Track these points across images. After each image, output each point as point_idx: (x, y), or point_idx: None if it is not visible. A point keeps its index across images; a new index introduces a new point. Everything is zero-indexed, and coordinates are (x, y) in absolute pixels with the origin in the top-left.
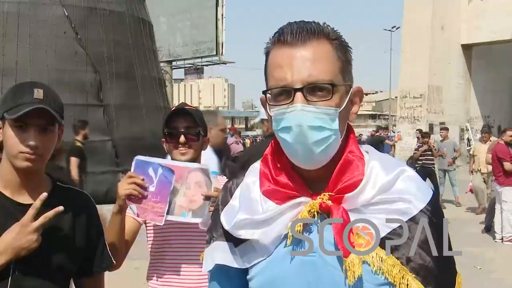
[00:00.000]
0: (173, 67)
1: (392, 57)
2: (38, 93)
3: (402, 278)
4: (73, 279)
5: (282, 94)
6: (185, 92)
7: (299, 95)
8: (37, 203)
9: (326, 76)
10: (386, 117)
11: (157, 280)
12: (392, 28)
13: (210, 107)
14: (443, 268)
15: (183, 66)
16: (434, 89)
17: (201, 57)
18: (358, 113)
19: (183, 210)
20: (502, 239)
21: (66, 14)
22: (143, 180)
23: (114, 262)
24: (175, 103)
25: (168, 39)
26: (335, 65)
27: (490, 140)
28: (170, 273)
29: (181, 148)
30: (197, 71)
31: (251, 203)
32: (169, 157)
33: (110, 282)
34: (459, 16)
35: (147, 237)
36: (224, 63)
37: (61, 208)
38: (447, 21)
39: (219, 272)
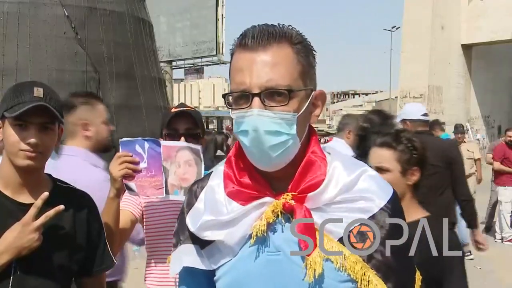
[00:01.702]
0: (173, 67)
1: (392, 57)
2: (38, 92)
3: (364, 274)
4: (74, 279)
5: (242, 98)
6: (185, 92)
7: (256, 100)
8: (39, 202)
9: (284, 81)
10: None
11: (153, 280)
12: (392, 28)
13: (210, 107)
14: (403, 264)
15: (183, 66)
16: (434, 89)
17: (201, 57)
18: (359, 113)
19: (175, 189)
20: (502, 239)
21: (66, 14)
22: (132, 156)
23: (115, 262)
24: (175, 103)
25: (168, 39)
26: (294, 70)
27: (465, 141)
28: (165, 272)
29: None
30: (197, 71)
31: (216, 205)
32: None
33: None
34: (459, 16)
35: (144, 237)
36: (224, 63)
37: (61, 207)
38: (447, 21)
39: (188, 274)
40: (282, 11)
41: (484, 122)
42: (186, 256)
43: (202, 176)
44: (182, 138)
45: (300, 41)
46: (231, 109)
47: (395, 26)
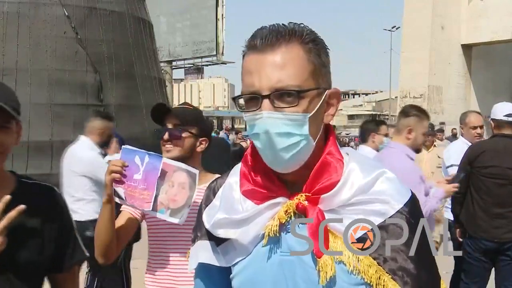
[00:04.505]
0: (173, 67)
1: (392, 57)
2: None
3: (379, 278)
4: (47, 275)
5: (253, 100)
6: (185, 92)
7: (266, 102)
8: (0, 206)
9: (293, 82)
10: (386, 117)
11: (153, 278)
12: (392, 28)
13: (210, 107)
14: (422, 268)
15: (183, 66)
16: (434, 89)
17: (201, 57)
18: (359, 113)
19: (162, 207)
20: None
21: (66, 14)
22: (127, 166)
23: (87, 255)
24: (175, 103)
25: (168, 39)
26: (305, 70)
27: (435, 145)
28: (166, 271)
29: (166, 145)
30: (197, 71)
31: (231, 203)
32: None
33: None
34: (459, 16)
35: (148, 235)
36: (224, 63)
37: (22, 206)
38: (447, 21)
39: (203, 270)
40: (282, 11)
41: (484, 122)
42: (202, 252)
43: (192, 201)
44: (166, 134)
45: (312, 39)
46: (243, 111)
47: (395, 26)
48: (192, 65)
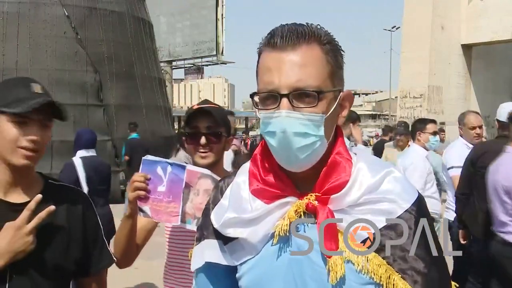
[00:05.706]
0: (173, 67)
1: (392, 57)
2: (37, 88)
3: (389, 278)
4: (73, 279)
5: (270, 98)
6: (185, 92)
7: (285, 100)
8: (32, 204)
9: (313, 82)
10: (386, 117)
11: (169, 283)
12: (392, 28)
13: None
14: (432, 267)
15: (183, 66)
16: (434, 89)
17: (201, 57)
18: (359, 113)
19: (188, 217)
20: None
21: (66, 14)
22: (149, 179)
23: (115, 259)
24: (175, 103)
25: (168, 39)
26: (324, 71)
27: (409, 145)
28: (182, 277)
29: (202, 151)
30: (197, 71)
31: (240, 202)
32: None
33: (109, 282)
34: (459, 16)
35: (166, 238)
36: (224, 63)
37: (52, 207)
38: (447, 21)
39: (208, 269)
40: (282, 11)
41: (484, 122)
42: (208, 251)
43: None
44: (203, 138)
45: (329, 41)
46: (258, 109)
47: (395, 26)
48: (192, 65)
